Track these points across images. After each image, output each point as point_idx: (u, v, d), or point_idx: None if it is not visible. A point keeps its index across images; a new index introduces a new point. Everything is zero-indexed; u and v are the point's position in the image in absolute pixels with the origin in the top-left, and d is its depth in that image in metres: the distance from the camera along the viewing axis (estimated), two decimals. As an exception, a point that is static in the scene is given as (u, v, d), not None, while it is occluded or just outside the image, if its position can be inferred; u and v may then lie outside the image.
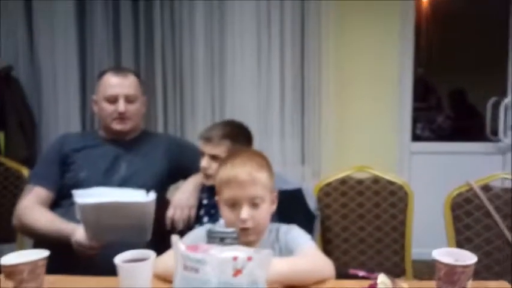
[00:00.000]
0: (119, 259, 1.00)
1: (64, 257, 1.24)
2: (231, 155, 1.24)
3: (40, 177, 1.59)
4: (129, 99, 1.63)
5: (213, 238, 1.01)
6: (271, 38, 2.73)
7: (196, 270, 0.77)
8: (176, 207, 1.57)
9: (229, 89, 2.75)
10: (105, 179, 1.59)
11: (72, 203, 1.46)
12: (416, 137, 3.26)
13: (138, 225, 1.31)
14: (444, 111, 3.87)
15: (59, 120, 2.75)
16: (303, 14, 2.74)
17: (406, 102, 2.89)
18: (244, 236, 1.11)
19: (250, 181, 1.13)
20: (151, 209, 1.31)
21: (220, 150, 1.48)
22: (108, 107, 1.61)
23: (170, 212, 1.56)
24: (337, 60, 2.77)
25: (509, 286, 1.12)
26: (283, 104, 2.77)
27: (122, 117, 1.61)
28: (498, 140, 2.87)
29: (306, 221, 1.76)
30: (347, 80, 2.82)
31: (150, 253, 1.03)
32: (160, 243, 1.16)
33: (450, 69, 3.87)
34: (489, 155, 2.87)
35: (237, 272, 0.76)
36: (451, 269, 0.98)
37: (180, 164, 1.73)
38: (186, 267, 0.78)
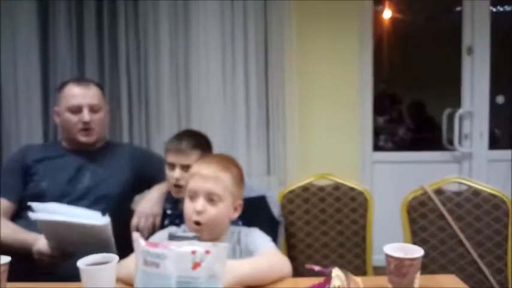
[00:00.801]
0: (81, 262, 1.02)
1: (25, 264, 1.23)
2: (209, 156, 1.32)
3: (2, 189, 1.57)
4: (93, 109, 1.64)
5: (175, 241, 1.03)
6: (236, 52, 2.79)
7: (157, 265, 0.80)
8: (140, 215, 1.58)
9: (194, 101, 2.78)
10: (68, 189, 1.59)
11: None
12: (379, 148, 3.40)
13: (98, 243, 1.31)
14: (405, 123, 4.04)
15: (21, 132, 2.69)
16: (266, 31, 2.82)
17: (367, 115, 3.02)
18: (198, 232, 1.14)
19: (212, 177, 1.18)
20: (108, 231, 1.32)
21: (192, 160, 1.50)
22: (72, 118, 1.61)
23: (134, 221, 1.56)
24: (299, 74, 2.87)
25: (457, 279, 1.19)
26: (249, 117, 2.82)
27: (86, 127, 1.62)
28: (454, 149, 3.03)
29: (270, 227, 1.80)
30: (310, 93, 2.92)
31: (113, 256, 1.04)
32: (125, 251, 1.17)
33: (409, 83, 4.07)
34: (446, 163, 3.01)
35: (196, 265, 0.79)
36: (400, 262, 1.04)
37: (145, 173, 1.74)
38: (146, 263, 0.81)
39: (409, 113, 4.11)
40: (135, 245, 0.85)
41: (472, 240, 1.71)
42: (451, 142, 3.06)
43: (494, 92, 3.11)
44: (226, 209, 1.20)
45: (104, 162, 1.69)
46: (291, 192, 1.90)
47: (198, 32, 2.76)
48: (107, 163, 1.69)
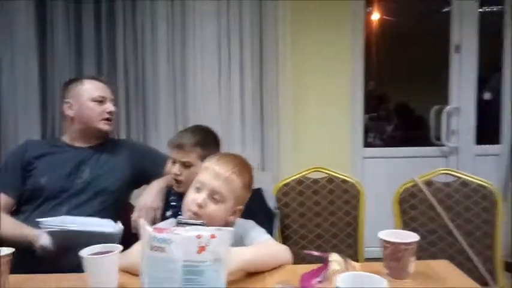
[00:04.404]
0: (84, 252, 1.03)
1: (26, 257, 1.24)
2: (227, 154, 1.30)
3: (2, 185, 1.58)
4: (113, 103, 1.75)
5: (182, 226, 1.05)
6: (231, 49, 2.84)
7: (163, 250, 0.82)
8: (141, 209, 1.59)
9: (191, 98, 2.82)
10: (67, 184, 1.60)
11: (34, 209, 1.47)
12: (369, 145, 3.47)
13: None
14: (393, 120, 4.12)
15: (19, 129, 2.71)
16: (261, 30, 2.87)
17: (358, 112, 3.09)
18: None
19: (223, 176, 1.18)
20: (119, 237, 1.34)
21: (192, 157, 1.52)
22: (97, 107, 1.68)
23: (135, 215, 1.58)
24: (293, 72, 2.93)
25: (450, 264, 1.24)
26: (244, 114, 2.87)
27: (110, 117, 1.71)
28: (442, 144, 3.10)
29: (266, 219, 1.84)
30: (303, 91, 2.98)
31: (116, 246, 1.06)
32: (125, 244, 1.19)
33: (399, 81, 4.14)
34: (434, 157, 3.09)
35: (201, 249, 0.82)
36: (396, 247, 1.09)
37: (144, 169, 1.76)
38: (152, 248, 0.84)
39: (398, 110, 4.19)
40: (142, 231, 0.87)
41: (461, 229, 1.76)
42: (438, 138, 3.13)
43: (481, 88, 3.20)
44: (225, 211, 1.20)
45: (103, 157, 1.72)
46: (286, 185, 1.94)
47: (195, 30, 2.79)
48: (106, 158, 1.71)
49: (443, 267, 1.21)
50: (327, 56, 3.00)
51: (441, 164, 3.01)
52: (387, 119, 4.26)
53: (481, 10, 3.12)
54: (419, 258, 1.12)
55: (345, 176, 1.94)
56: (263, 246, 1.18)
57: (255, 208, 1.75)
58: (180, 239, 0.82)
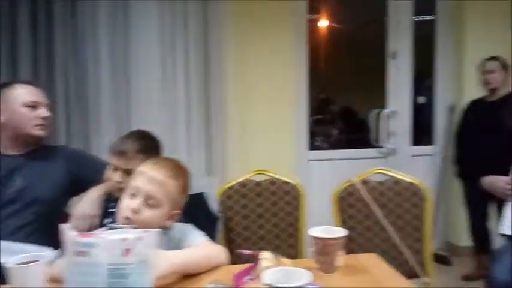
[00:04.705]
0: (10, 262, 0.99)
1: None
2: (163, 159, 1.28)
3: None
4: (47, 108, 1.69)
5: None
6: (176, 51, 2.82)
7: (87, 254, 0.81)
8: (78, 218, 1.55)
9: (134, 102, 2.76)
10: (-3, 193, 1.53)
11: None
12: (317, 148, 3.59)
13: None
14: (338, 124, 4.28)
15: None
16: (205, 32, 2.87)
17: (303, 116, 3.19)
18: None
19: (158, 181, 1.16)
20: None
21: (134, 164, 1.46)
22: (29, 113, 1.62)
23: (72, 223, 1.53)
24: (239, 75, 2.97)
25: (378, 258, 1.31)
26: (189, 117, 2.86)
27: (44, 123, 1.65)
28: (381, 146, 3.26)
29: (209, 223, 1.86)
30: (249, 94, 3.03)
31: (45, 255, 1.02)
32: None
33: (341, 86, 4.31)
34: (374, 159, 3.24)
35: (127, 251, 0.82)
36: (324, 242, 1.14)
37: (81, 176, 1.71)
38: (76, 253, 0.82)
39: (342, 114, 4.36)
40: (64, 237, 0.85)
41: (394, 225, 1.87)
42: (378, 140, 3.29)
43: (415, 92, 3.40)
44: (160, 216, 1.18)
45: (36, 165, 1.65)
46: (230, 188, 1.96)
47: (138, 32, 2.75)
48: (40, 166, 1.65)
49: (371, 260, 1.28)
50: (272, 59, 3.07)
51: (381, 165, 3.11)
52: (332, 122, 4.42)
53: (415, 19, 3.33)
54: (354, 253, 1.17)
55: (287, 178, 1.99)
56: (196, 248, 1.19)
57: (198, 212, 1.77)
58: (104, 242, 0.82)
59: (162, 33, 2.79)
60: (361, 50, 4.05)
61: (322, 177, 3.12)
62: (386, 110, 3.27)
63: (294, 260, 1.19)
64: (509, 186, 1.79)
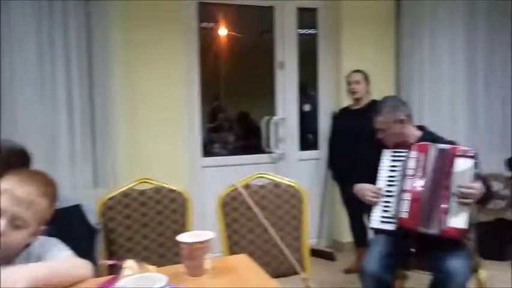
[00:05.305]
0: None
1: None
2: (29, 173, 1.18)
3: None
4: None
5: None
6: (55, 58, 2.65)
7: None
8: None
9: (7, 110, 2.52)
10: None
11: None
12: (214, 155, 3.66)
13: None
14: (235, 131, 4.41)
15: None
16: (88, 37, 2.75)
17: (195, 124, 3.21)
18: None
19: (26, 201, 1.09)
20: None
21: None
22: None
23: None
24: (127, 84, 2.89)
25: (248, 258, 1.37)
26: (72, 128, 2.70)
27: None
28: (272, 152, 3.42)
29: (87, 236, 1.77)
30: (138, 103, 2.96)
31: None
32: None
33: (236, 95, 4.45)
34: (266, 164, 3.38)
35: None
36: (191, 246, 1.17)
37: None
38: None
39: (238, 121, 4.50)
40: None
41: (274, 226, 1.97)
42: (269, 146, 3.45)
43: (302, 101, 3.63)
44: (27, 236, 1.12)
45: None
46: (111, 199, 1.90)
47: (10, 32, 2.51)
48: None
49: (240, 261, 1.34)
50: (163, 65, 3.03)
51: (271, 170, 3.31)
52: (230, 129, 4.53)
53: (300, 32, 3.57)
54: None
55: (173, 186, 1.99)
56: (57, 262, 1.14)
57: (74, 225, 1.68)
58: None
59: (39, 34, 2.59)
60: (255, 59, 4.22)
61: (216, 183, 3.16)
62: (276, 117, 3.45)
63: (163, 268, 1.20)
64: (374, 195, 1.98)
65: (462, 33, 3.60)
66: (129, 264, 1.05)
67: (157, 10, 3.00)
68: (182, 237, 1.18)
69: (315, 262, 3.18)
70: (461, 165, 1.83)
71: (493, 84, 3.73)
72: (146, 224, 1.94)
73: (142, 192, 1.95)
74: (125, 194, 1.93)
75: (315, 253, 3.31)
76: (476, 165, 1.84)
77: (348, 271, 3.05)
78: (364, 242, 3.00)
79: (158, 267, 1.41)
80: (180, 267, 1.19)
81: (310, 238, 3.42)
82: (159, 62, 3.03)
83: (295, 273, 1.97)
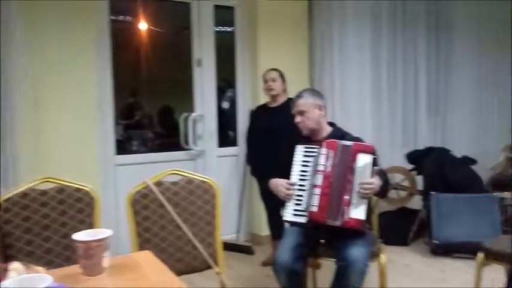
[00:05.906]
0: None
1: None
2: None
3: None
4: None
5: None
6: None
7: None
8: None
9: None
10: None
11: None
12: (132, 152, 3.57)
13: None
14: (154, 128, 4.30)
15: None
16: None
17: (108, 122, 3.08)
18: None
19: None
20: None
21: None
22: None
23: None
24: (33, 80, 2.71)
25: (151, 255, 1.36)
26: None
27: None
28: (190, 148, 3.40)
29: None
30: (46, 101, 2.79)
31: None
32: None
33: (155, 92, 4.35)
34: (184, 161, 3.36)
35: None
36: (87, 245, 1.12)
37: None
38: None
39: (157, 118, 4.40)
40: None
41: (187, 222, 1.97)
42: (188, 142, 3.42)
43: (221, 98, 3.66)
44: None
45: None
46: (7, 200, 1.76)
47: None
48: None
49: (144, 258, 1.32)
50: (72, 60, 2.88)
51: (190, 166, 3.30)
52: (149, 126, 4.42)
53: (217, 29, 3.58)
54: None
55: (78, 185, 1.90)
56: None
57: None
58: None
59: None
60: (174, 55, 4.16)
61: (131, 181, 3.05)
62: (194, 114, 3.43)
63: (58, 269, 1.14)
64: (288, 191, 2.05)
65: (368, 34, 3.86)
66: (15, 267, 0.98)
67: (63, 4, 2.83)
68: (78, 236, 1.13)
69: (233, 256, 3.24)
70: (362, 160, 1.97)
71: (397, 83, 4.06)
72: (48, 225, 1.82)
73: (43, 193, 1.83)
74: (23, 195, 1.79)
75: (234, 247, 3.36)
76: (375, 160, 1.99)
77: (265, 263, 3.13)
78: (281, 235, 3.09)
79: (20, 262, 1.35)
80: (77, 268, 1.14)
81: (230, 233, 3.49)
82: (68, 57, 2.87)
83: (209, 267, 1.98)
